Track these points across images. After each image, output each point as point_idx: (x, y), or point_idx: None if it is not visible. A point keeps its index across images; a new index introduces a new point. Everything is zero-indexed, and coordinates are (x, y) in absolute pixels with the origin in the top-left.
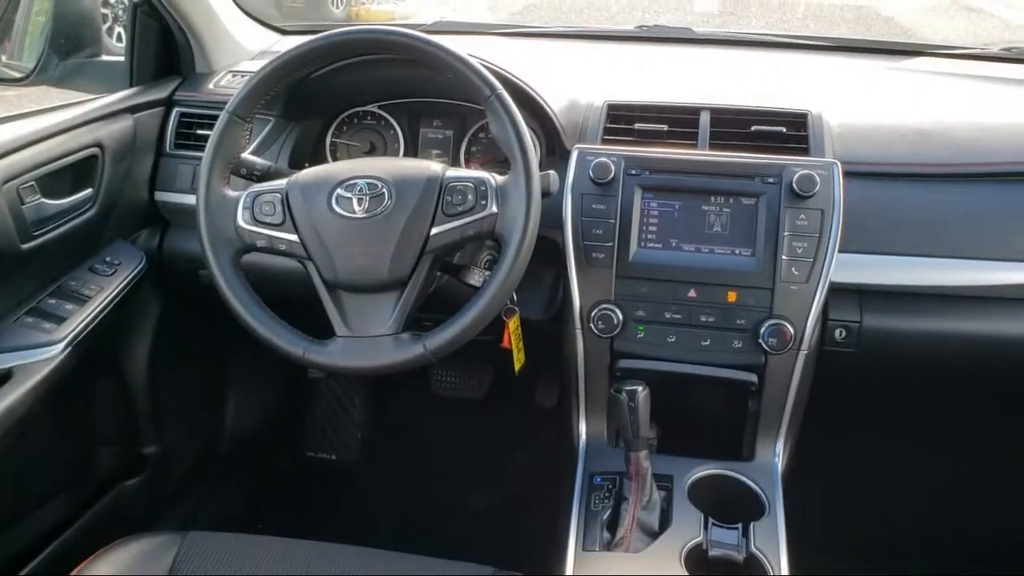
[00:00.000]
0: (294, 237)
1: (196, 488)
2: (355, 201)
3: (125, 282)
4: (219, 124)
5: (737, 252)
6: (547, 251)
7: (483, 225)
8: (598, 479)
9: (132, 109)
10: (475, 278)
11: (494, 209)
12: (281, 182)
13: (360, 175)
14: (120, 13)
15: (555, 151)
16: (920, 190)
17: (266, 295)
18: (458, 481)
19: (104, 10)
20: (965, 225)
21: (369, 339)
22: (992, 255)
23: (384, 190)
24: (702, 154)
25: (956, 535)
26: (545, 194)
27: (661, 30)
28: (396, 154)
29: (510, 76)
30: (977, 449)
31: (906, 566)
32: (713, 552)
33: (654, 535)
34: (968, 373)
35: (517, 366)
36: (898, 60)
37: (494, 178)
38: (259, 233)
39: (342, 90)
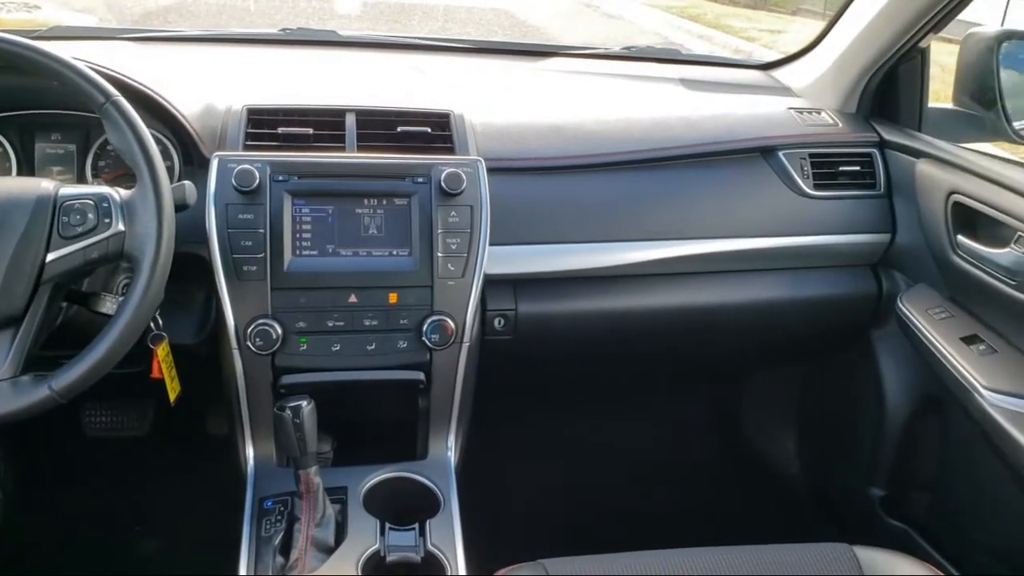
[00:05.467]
0: None
1: None
2: None
3: None
4: None
5: (395, 253)
6: (193, 268)
7: (109, 246)
8: (269, 503)
9: None
10: (107, 306)
11: (120, 227)
12: None
13: None
14: None
15: (194, 160)
16: (557, 182)
17: None
18: (126, 529)
19: None
20: (599, 212)
21: None
22: (624, 237)
23: None
24: (350, 157)
25: (637, 508)
26: (181, 207)
27: (305, 33)
28: (8, 174)
29: (130, 81)
30: (641, 420)
31: (591, 545)
32: (391, 557)
33: (330, 551)
34: (616, 347)
35: (172, 396)
36: (536, 61)
37: (118, 193)
38: None
39: None
